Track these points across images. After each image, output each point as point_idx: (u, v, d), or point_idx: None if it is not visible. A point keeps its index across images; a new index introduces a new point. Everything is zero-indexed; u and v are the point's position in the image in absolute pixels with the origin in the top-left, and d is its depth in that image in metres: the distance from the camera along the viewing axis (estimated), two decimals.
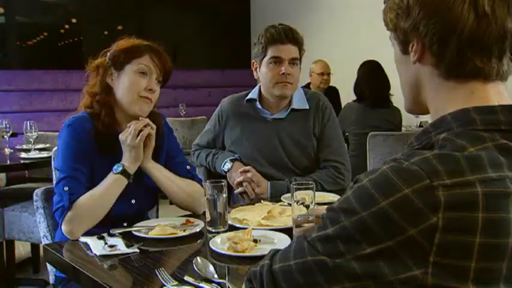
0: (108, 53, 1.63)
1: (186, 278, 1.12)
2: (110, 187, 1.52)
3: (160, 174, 1.65)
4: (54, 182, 1.66)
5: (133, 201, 1.66)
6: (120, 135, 1.57)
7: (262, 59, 2.04)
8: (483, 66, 0.75)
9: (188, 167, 1.75)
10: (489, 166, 0.67)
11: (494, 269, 0.66)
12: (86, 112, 1.63)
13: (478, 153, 0.69)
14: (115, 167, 1.54)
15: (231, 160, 2.08)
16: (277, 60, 2.01)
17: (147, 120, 1.58)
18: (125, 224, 1.57)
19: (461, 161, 0.67)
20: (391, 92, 3.65)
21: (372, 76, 3.66)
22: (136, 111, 1.61)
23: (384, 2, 0.85)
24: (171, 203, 1.75)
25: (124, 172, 1.54)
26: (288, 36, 2.00)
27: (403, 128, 3.98)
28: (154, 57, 1.61)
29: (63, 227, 1.49)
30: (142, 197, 1.68)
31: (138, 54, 1.60)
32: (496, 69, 0.76)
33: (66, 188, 1.50)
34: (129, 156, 1.56)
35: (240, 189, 2.03)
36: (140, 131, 1.56)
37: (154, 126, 1.59)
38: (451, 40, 0.74)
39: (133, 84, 1.59)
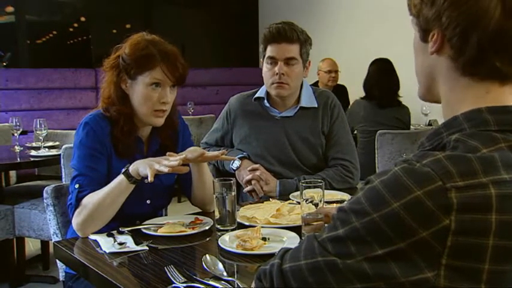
0: (120, 57, 1.59)
1: (194, 275, 1.13)
2: (114, 186, 1.49)
3: (207, 177, 1.68)
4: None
5: (148, 201, 1.66)
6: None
7: (264, 58, 2.05)
8: (503, 67, 0.72)
9: None
10: (502, 167, 0.66)
11: (508, 272, 0.65)
12: (102, 111, 1.62)
13: (491, 154, 0.67)
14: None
15: (240, 158, 2.08)
16: (272, 61, 2.01)
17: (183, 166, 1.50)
18: (138, 222, 1.57)
19: (474, 162, 0.66)
20: (400, 92, 3.63)
21: (382, 75, 3.63)
22: (152, 124, 1.63)
23: None
24: (179, 201, 1.75)
25: (126, 172, 1.49)
26: (282, 35, 1.97)
27: (411, 127, 3.96)
28: (165, 69, 1.55)
29: (72, 224, 1.50)
30: (158, 196, 1.69)
31: (149, 66, 1.55)
32: None
33: (76, 186, 1.52)
34: (142, 162, 1.48)
35: (248, 187, 2.03)
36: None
37: (187, 169, 1.55)
38: (473, 35, 0.71)
39: (146, 98, 1.57)
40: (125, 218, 1.54)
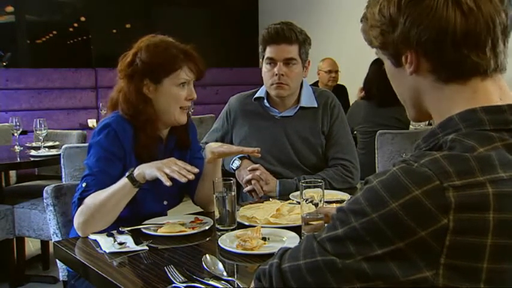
0: (138, 60, 1.58)
1: (195, 275, 1.13)
2: (117, 190, 1.48)
3: (219, 176, 1.68)
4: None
5: (165, 202, 1.67)
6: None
7: (263, 58, 2.05)
8: (480, 60, 0.75)
9: None
10: (499, 166, 0.67)
11: (507, 270, 0.65)
12: (123, 115, 1.59)
13: (488, 153, 0.68)
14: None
15: (240, 158, 2.08)
16: (271, 61, 2.02)
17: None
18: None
19: (471, 162, 0.66)
20: None
21: (381, 75, 3.61)
22: (179, 123, 1.64)
23: (361, 21, 0.85)
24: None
25: (131, 177, 1.48)
26: (280, 36, 1.97)
27: (411, 126, 3.96)
28: (192, 66, 1.60)
29: (74, 223, 1.50)
30: (173, 197, 1.70)
31: (175, 67, 1.57)
32: (493, 62, 0.75)
33: (84, 184, 1.51)
34: (148, 166, 1.48)
35: (248, 187, 2.03)
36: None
37: (192, 177, 1.49)
38: (445, 42, 0.74)
39: (175, 99, 1.59)
40: (141, 219, 1.54)
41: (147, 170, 1.46)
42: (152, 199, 1.56)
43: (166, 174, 1.43)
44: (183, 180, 1.44)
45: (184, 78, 1.59)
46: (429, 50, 0.76)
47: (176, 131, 1.71)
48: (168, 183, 1.42)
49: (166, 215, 1.68)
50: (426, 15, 0.74)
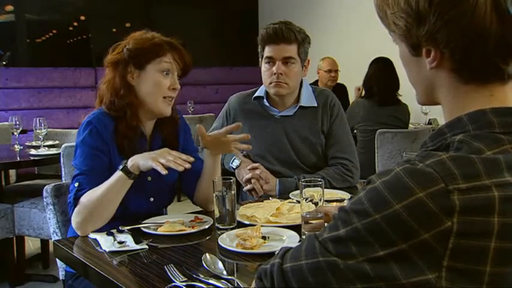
0: (125, 49, 1.60)
1: (195, 274, 1.13)
2: (112, 184, 1.48)
3: (219, 172, 1.68)
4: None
5: (151, 199, 1.66)
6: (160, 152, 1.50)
7: (262, 57, 2.05)
8: (507, 67, 0.73)
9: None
10: (506, 170, 0.66)
11: (510, 274, 0.65)
12: (105, 110, 1.60)
13: (495, 157, 0.67)
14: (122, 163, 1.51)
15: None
16: (270, 60, 2.02)
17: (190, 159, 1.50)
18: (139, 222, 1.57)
19: (478, 165, 0.65)
20: (400, 91, 3.63)
21: (382, 74, 3.63)
22: (162, 113, 1.62)
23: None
24: (179, 200, 1.76)
25: (124, 169, 1.48)
26: (279, 36, 1.98)
27: (411, 125, 3.96)
28: (175, 55, 1.60)
29: (72, 223, 1.50)
30: (161, 194, 1.69)
31: (159, 54, 1.58)
32: None
33: (76, 184, 1.51)
34: (142, 157, 1.49)
35: (248, 186, 2.03)
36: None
37: (188, 166, 1.49)
38: (476, 50, 0.71)
39: (157, 86, 1.59)
40: (129, 216, 1.54)
41: (141, 161, 1.47)
42: (137, 196, 1.56)
43: (162, 164, 1.43)
44: (180, 169, 1.44)
45: (167, 64, 1.59)
46: (457, 53, 0.72)
47: (162, 129, 1.69)
48: (164, 172, 1.42)
49: (155, 212, 1.67)
50: (461, 19, 0.69)
